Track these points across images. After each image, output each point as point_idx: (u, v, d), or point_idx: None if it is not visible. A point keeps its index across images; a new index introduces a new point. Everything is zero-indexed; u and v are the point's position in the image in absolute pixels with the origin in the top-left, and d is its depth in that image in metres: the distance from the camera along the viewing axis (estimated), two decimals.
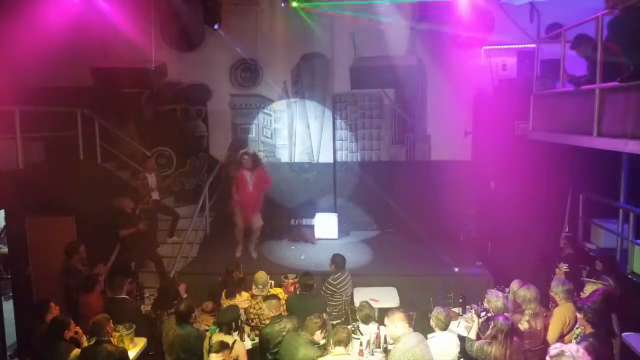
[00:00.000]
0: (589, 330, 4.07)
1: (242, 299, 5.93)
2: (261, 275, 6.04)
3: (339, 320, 6.00)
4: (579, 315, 4.31)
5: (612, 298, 4.27)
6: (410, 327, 4.65)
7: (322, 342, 4.78)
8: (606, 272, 5.65)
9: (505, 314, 4.77)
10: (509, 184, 7.50)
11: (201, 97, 9.80)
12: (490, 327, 4.56)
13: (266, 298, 5.40)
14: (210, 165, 9.82)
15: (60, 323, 4.77)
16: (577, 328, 4.58)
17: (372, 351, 5.09)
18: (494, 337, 4.42)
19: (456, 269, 7.16)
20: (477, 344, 4.58)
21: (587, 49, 5.49)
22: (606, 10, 4.97)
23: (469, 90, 8.91)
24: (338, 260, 6.24)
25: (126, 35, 8.47)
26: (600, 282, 5.39)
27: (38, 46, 7.29)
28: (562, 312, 4.86)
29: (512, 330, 4.46)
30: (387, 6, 8.70)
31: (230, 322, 5.00)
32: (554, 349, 3.42)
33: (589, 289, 5.17)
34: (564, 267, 6.02)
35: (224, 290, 6.14)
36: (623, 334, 5.06)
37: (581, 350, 3.30)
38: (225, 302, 5.93)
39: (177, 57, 9.56)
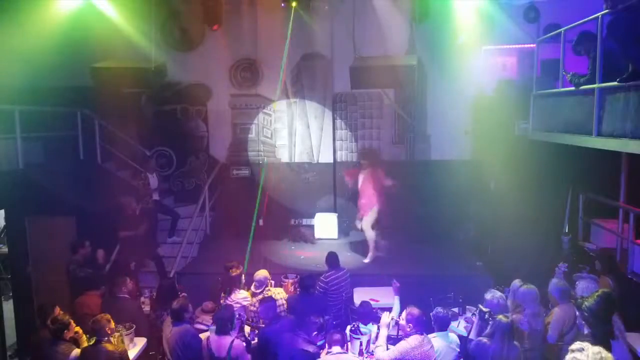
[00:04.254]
0: (587, 330, 4.07)
1: (240, 297, 5.93)
2: (259, 274, 6.05)
3: (338, 320, 6.01)
4: (577, 314, 4.31)
5: (611, 299, 4.26)
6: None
7: (319, 342, 4.79)
8: (606, 272, 5.65)
9: (504, 313, 4.77)
10: (509, 184, 7.50)
11: (201, 97, 9.81)
12: (490, 325, 4.56)
13: (262, 301, 5.39)
14: (210, 165, 9.83)
15: (60, 323, 4.77)
16: None
17: (372, 351, 5.09)
18: (491, 335, 4.42)
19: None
20: (474, 341, 4.58)
21: (590, 46, 5.47)
22: (606, 10, 4.96)
23: (469, 90, 8.90)
24: (328, 258, 6.27)
25: (126, 35, 8.47)
26: (594, 276, 5.39)
27: (38, 46, 7.29)
28: (561, 312, 4.86)
29: (512, 330, 4.46)
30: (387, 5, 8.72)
31: (225, 322, 4.98)
32: (577, 344, 3.38)
33: (581, 285, 5.16)
34: (563, 267, 6.02)
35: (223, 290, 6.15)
36: None
37: (603, 354, 3.25)
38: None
39: (177, 57, 9.57)
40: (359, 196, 7.93)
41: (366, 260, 7.80)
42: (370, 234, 7.86)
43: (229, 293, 5.98)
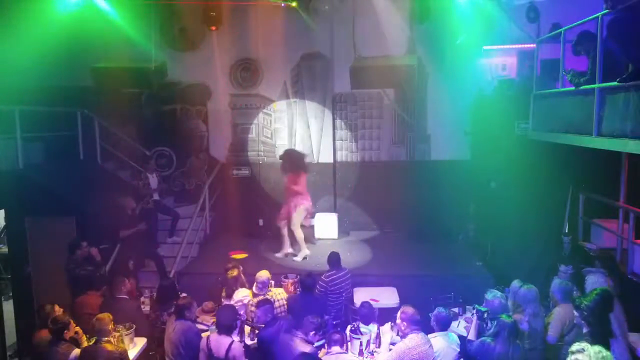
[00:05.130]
0: (586, 329, 4.07)
1: (241, 295, 5.93)
2: (261, 275, 6.04)
3: (338, 320, 6.01)
4: (576, 314, 4.28)
5: (609, 297, 4.27)
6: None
7: (317, 343, 4.79)
8: (606, 272, 5.64)
9: (506, 313, 4.77)
10: (509, 184, 7.50)
11: (201, 97, 9.80)
12: (494, 325, 4.55)
13: (259, 304, 5.39)
14: (210, 165, 9.83)
15: (60, 323, 4.77)
16: None
17: (372, 351, 5.09)
18: (496, 335, 4.41)
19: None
20: (477, 341, 4.58)
21: (590, 46, 5.46)
22: (606, 10, 4.96)
23: (469, 90, 8.90)
24: (330, 258, 6.27)
25: (126, 35, 8.47)
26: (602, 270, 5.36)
27: (38, 46, 7.29)
28: (561, 312, 4.86)
29: (517, 330, 4.46)
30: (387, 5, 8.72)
31: (227, 322, 4.98)
32: (576, 345, 3.39)
33: (591, 280, 5.14)
34: (569, 269, 6.01)
35: (223, 289, 6.14)
36: None
37: (603, 352, 3.26)
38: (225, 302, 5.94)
39: (177, 57, 9.57)
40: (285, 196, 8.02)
41: (298, 259, 7.84)
42: (299, 234, 7.94)
43: (229, 295, 5.98)
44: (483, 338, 4.55)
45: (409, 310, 4.63)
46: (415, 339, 4.47)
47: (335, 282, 6.06)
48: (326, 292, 6.03)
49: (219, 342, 4.80)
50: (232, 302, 5.79)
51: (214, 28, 9.10)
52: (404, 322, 4.58)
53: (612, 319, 4.31)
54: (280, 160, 8.19)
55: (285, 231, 8.06)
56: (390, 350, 4.73)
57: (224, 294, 6.14)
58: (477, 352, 4.49)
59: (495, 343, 4.38)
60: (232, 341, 4.83)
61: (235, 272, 6.16)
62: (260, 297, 5.79)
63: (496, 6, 8.25)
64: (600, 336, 3.92)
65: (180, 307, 5.10)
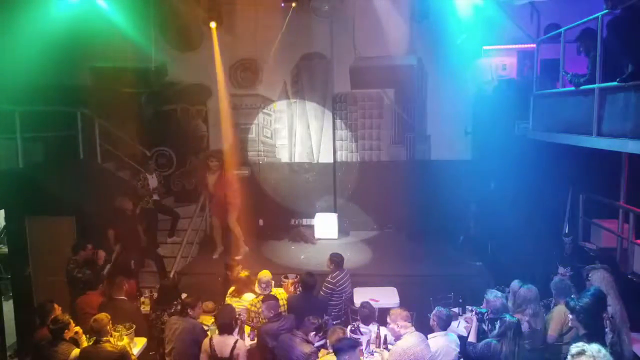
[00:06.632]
0: (582, 331, 4.06)
1: (249, 298, 5.92)
2: (264, 275, 6.03)
3: (338, 320, 6.00)
4: (570, 317, 4.26)
5: (604, 297, 4.26)
6: (411, 326, 4.66)
7: (317, 343, 4.79)
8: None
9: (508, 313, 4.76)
10: (509, 184, 7.50)
11: (201, 97, 9.80)
12: (498, 325, 4.54)
13: (264, 299, 5.39)
14: None
15: (60, 323, 4.77)
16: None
17: (372, 351, 5.09)
18: (502, 335, 4.40)
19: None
20: (482, 342, 4.56)
21: (591, 44, 5.46)
22: (606, 10, 4.96)
23: (469, 90, 8.90)
24: (336, 259, 6.25)
25: (126, 35, 8.47)
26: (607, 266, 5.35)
27: (38, 46, 7.28)
28: (561, 312, 4.85)
29: (520, 329, 4.45)
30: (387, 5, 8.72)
31: (229, 322, 4.98)
32: (575, 348, 3.39)
33: (595, 277, 5.12)
34: (562, 269, 6.00)
35: (231, 288, 6.13)
36: None
37: (603, 351, 3.27)
38: (230, 300, 5.93)
39: (177, 57, 9.57)
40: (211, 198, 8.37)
41: (239, 257, 7.87)
42: (238, 230, 8.18)
43: (240, 293, 6.01)
44: (488, 339, 4.52)
45: (395, 311, 4.70)
46: (410, 339, 4.47)
47: (341, 282, 6.09)
48: (332, 294, 6.03)
49: (223, 342, 4.79)
50: (238, 302, 5.80)
51: (213, 24, 9.03)
52: (396, 323, 4.59)
53: (614, 317, 4.31)
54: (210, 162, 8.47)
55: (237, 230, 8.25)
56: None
57: (232, 290, 6.12)
58: (483, 354, 4.45)
59: (502, 344, 4.36)
60: (237, 340, 4.84)
61: (247, 274, 6.17)
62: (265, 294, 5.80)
63: (496, 6, 8.24)
64: (596, 335, 3.91)
65: (186, 304, 5.12)
